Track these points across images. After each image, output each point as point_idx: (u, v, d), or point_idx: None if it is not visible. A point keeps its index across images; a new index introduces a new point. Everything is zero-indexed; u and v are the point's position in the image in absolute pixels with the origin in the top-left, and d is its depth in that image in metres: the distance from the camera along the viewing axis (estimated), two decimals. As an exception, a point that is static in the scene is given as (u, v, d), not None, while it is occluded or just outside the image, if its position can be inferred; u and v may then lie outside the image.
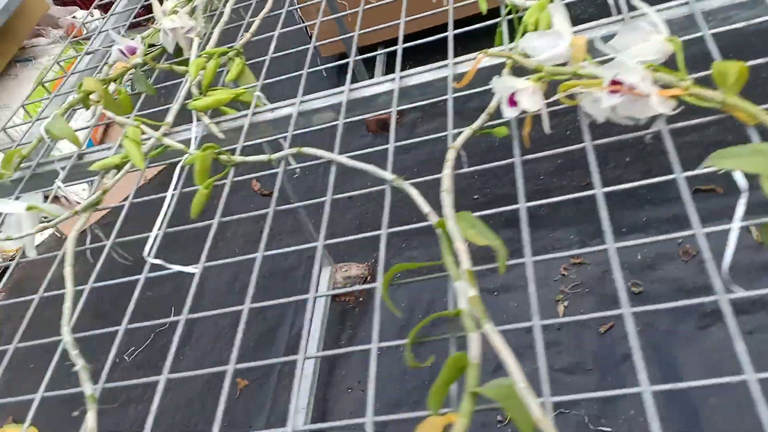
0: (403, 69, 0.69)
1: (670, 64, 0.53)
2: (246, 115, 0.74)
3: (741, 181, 0.46)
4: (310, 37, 0.83)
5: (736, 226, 0.45)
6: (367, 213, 2.00)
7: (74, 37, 1.23)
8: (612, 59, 0.52)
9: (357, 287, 0.66)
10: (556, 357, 1.50)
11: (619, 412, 1.37)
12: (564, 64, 0.57)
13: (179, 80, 0.86)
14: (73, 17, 2.65)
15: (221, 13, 0.91)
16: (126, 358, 1.97)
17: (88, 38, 2.70)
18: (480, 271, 0.52)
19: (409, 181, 0.59)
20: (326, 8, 0.89)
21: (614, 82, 0.50)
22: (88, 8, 2.73)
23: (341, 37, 0.87)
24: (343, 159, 0.63)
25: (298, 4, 1.13)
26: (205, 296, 2.01)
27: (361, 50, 2.10)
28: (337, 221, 2.02)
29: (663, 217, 1.57)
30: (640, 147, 1.69)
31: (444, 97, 0.64)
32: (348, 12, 0.94)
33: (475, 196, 1.86)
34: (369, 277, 1.82)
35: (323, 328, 1.76)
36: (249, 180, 2.35)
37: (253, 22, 0.87)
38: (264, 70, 0.80)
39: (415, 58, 0.77)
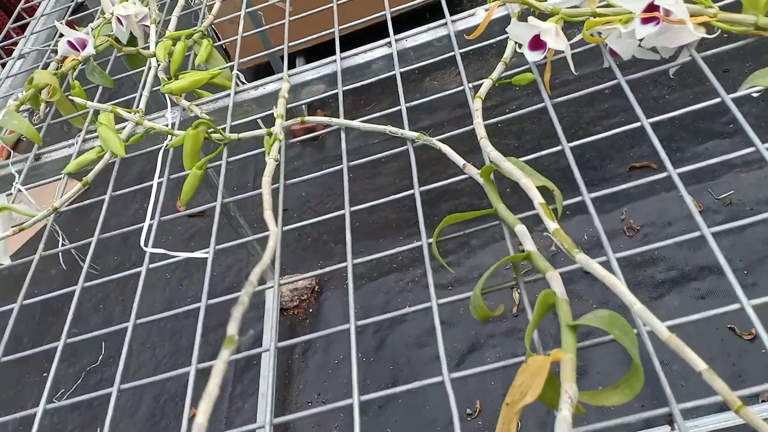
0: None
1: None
2: (228, 95, 0.69)
3: (791, 94, 0.46)
4: (226, 51, 0.75)
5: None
6: (306, 224, 1.94)
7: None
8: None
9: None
10: (518, 344, 1.50)
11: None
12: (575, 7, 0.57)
13: (132, 72, 0.80)
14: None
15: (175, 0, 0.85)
16: (55, 401, 1.80)
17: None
18: (432, 266, 0.50)
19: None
20: (247, 21, 0.83)
21: (648, 12, 0.50)
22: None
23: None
24: (356, 123, 0.59)
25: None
26: (136, 328, 1.87)
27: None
28: (275, 234, 1.95)
29: (603, 196, 1.62)
30: (573, 132, 1.74)
31: (451, 54, 0.62)
32: (269, 26, 0.86)
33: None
34: (317, 287, 1.77)
35: (275, 343, 1.68)
36: (173, 201, 2.24)
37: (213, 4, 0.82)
38: (237, 51, 0.74)
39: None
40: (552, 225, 0.40)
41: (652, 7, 0.50)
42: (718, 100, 0.49)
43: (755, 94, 0.50)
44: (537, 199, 0.41)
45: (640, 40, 0.52)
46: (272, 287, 0.51)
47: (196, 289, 1.94)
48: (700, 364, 0.29)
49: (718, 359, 1.26)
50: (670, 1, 0.49)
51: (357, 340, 1.75)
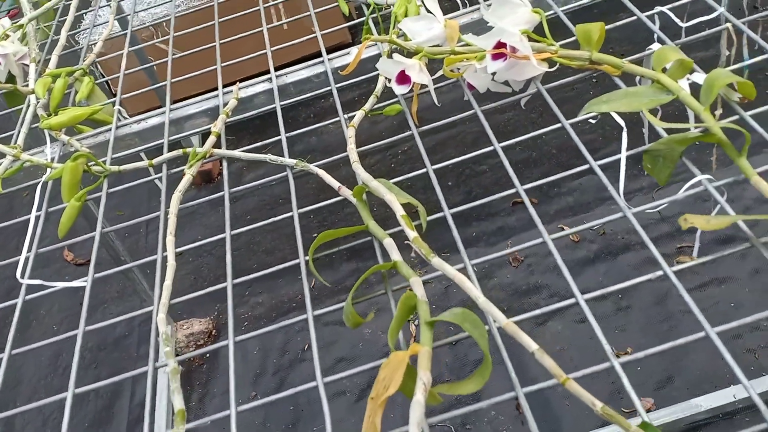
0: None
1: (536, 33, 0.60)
2: (109, 129, 0.70)
3: (619, 120, 0.53)
4: (114, 94, 0.77)
5: (623, 154, 0.51)
6: (202, 267, 1.92)
7: None
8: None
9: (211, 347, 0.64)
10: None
11: (482, 415, 1.43)
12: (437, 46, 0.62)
13: (10, 110, 0.79)
14: None
15: (55, 40, 0.85)
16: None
17: None
18: (332, 304, 0.53)
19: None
20: (134, 60, 0.85)
21: (496, 49, 0.56)
22: None
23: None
24: (237, 153, 0.61)
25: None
26: (23, 382, 1.78)
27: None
28: (170, 280, 1.91)
29: (489, 229, 1.71)
30: (460, 171, 1.83)
31: (327, 89, 0.66)
32: (156, 62, 0.88)
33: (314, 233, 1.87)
34: (214, 331, 1.74)
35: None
36: (60, 251, 2.15)
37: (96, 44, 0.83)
38: (120, 86, 0.76)
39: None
40: (411, 234, 0.43)
41: (500, 45, 0.56)
42: (558, 125, 0.55)
43: (592, 120, 0.57)
44: (399, 212, 0.44)
45: (493, 74, 0.58)
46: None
47: (86, 340, 1.86)
48: (532, 345, 0.33)
49: (599, 378, 1.34)
50: (515, 39, 0.55)
51: (257, 381, 1.72)
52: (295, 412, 1.56)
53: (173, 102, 0.71)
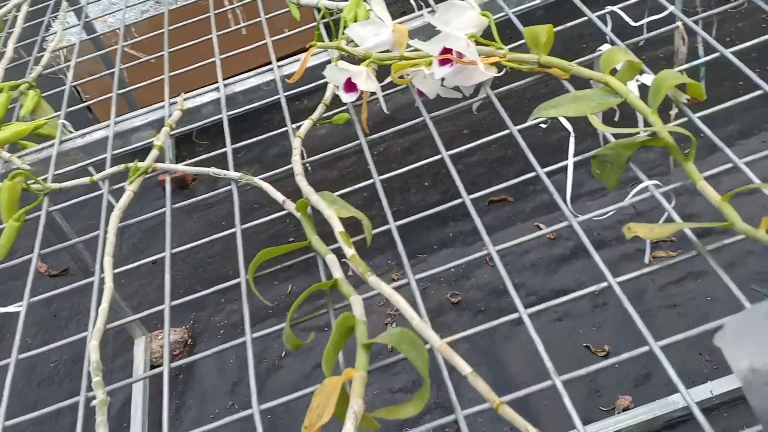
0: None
1: (485, 37, 0.58)
2: (53, 145, 0.67)
3: (567, 125, 0.51)
4: (84, 101, 0.76)
5: (570, 161, 0.50)
6: (177, 275, 1.89)
7: None
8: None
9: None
10: (394, 379, 1.52)
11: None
12: (387, 51, 0.60)
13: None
14: None
15: (2, 52, 0.83)
16: None
17: None
18: (310, 310, 0.51)
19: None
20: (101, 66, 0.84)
21: (443, 54, 0.54)
22: None
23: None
24: (181, 167, 0.59)
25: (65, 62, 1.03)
26: (-4, 399, 1.74)
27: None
28: (145, 290, 1.88)
29: (466, 229, 1.69)
30: (436, 171, 1.82)
31: (276, 97, 0.64)
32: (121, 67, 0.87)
33: (290, 238, 1.86)
34: (189, 341, 1.71)
35: (145, 404, 1.61)
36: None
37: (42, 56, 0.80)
38: (65, 100, 0.73)
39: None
40: (349, 251, 0.42)
41: (446, 50, 0.54)
42: (507, 131, 0.54)
43: (543, 125, 0.56)
44: (337, 227, 0.43)
45: (442, 80, 0.56)
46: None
47: (60, 353, 1.83)
48: (465, 368, 0.32)
49: (577, 376, 1.33)
50: (461, 44, 0.53)
51: (234, 391, 1.69)
52: (272, 421, 1.55)
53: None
